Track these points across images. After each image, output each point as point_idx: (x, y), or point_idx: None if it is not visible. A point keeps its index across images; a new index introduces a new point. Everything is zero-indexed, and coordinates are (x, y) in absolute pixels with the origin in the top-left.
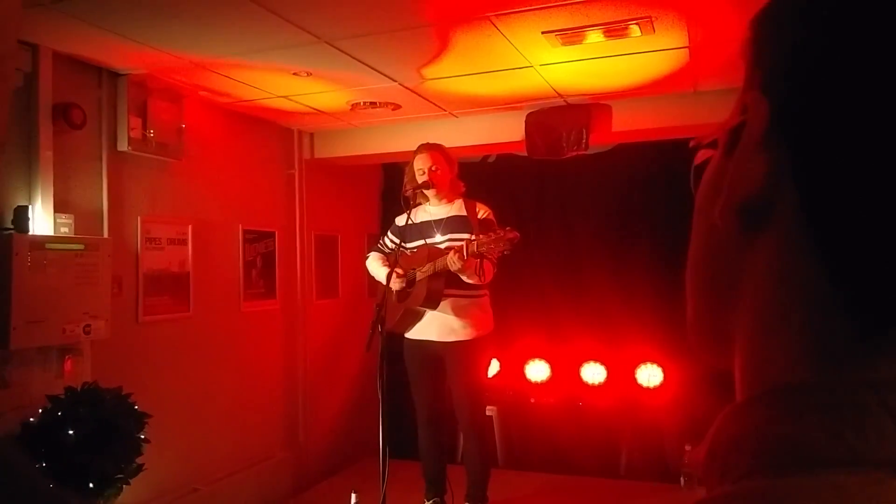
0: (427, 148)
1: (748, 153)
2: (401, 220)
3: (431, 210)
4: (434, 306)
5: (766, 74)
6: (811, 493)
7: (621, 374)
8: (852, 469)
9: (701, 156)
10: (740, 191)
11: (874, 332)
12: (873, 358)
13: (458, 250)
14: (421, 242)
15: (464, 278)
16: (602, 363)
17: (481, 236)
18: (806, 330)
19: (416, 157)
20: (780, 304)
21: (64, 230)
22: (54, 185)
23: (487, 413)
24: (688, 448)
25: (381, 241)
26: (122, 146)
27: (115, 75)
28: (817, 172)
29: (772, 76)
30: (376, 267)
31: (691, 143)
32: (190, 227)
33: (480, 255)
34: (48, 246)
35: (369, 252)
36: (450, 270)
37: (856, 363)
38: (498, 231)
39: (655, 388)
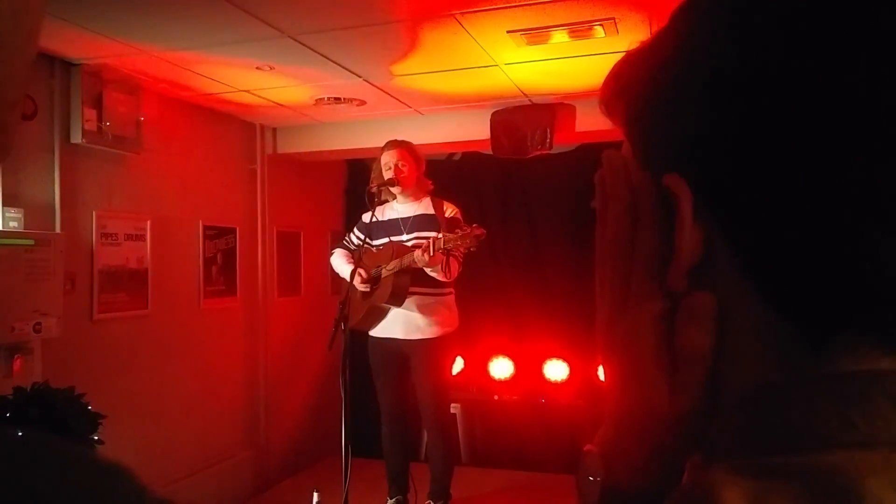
0: (395, 145)
1: (684, 232)
2: (368, 217)
3: (399, 208)
4: (399, 303)
5: (673, 152)
6: (831, 469)
7: (583, 370)
8: (865, 450)
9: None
10: (685, 262)
11: (829, 345)
12: (828, 357)
13: (426, 247)
14: (386, 240)
15: (429, 273)
16: (565, 360)
17: (448, 233)
18: (769, 349)
19: (384, 153)
20: (740, 332)
21: (13, 225)
22: (2, 178)
23: (451, 410)
24: None
25: (346, 238)
26: (76, 138)
27: (68, 65)
28: (748, 237)
29: (683, 157)
30: (341, 264)
31: (592, 205)
32: (148, 222)
33: (447, 252)
34: None
35: (334, 248)
36: (416, 267)
37: (823, 365)
38: (465, 228)
39: None
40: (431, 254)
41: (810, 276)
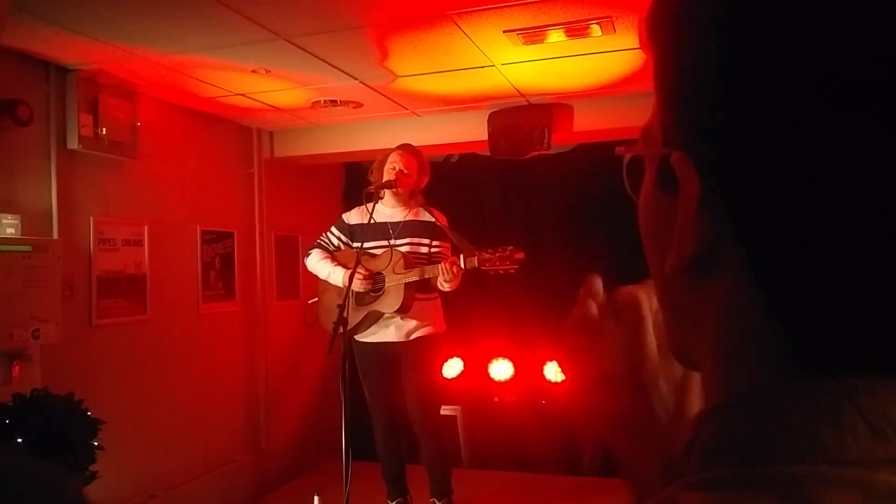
0: (405, 148)
1: (689, 219)
2: (351, 218)
3: (387, 211)
4: (406, 312)
5: (684, 131)
6: (793, 482)
7: None
8: (832, 466)
9: (628, 155)
10: (688, 251)
11: (818, 357)
12: (824, 374)
13: (455, 262)
14: (384, 243)
15: (444, 286)
16: None
17: (485, 254)
18: (762, 356)
19: (392, 153)
20: (737, 335)
21: (10, 231)
22: None
23: (451, 412)
24: None
25: (324, 238)
26: (73, 144)
27: (64, 70)
28: (759, 232)
29: (694, 138)
30: (325, 265)
31: (617, 151)
32: (146, 227)
33: (475, 269)
34: None
35: (311, 249)
36: (426, 277)
37: (808, 376)
38: (502, 250)
39: None
40: (462, 269)
41: (816, 288)
